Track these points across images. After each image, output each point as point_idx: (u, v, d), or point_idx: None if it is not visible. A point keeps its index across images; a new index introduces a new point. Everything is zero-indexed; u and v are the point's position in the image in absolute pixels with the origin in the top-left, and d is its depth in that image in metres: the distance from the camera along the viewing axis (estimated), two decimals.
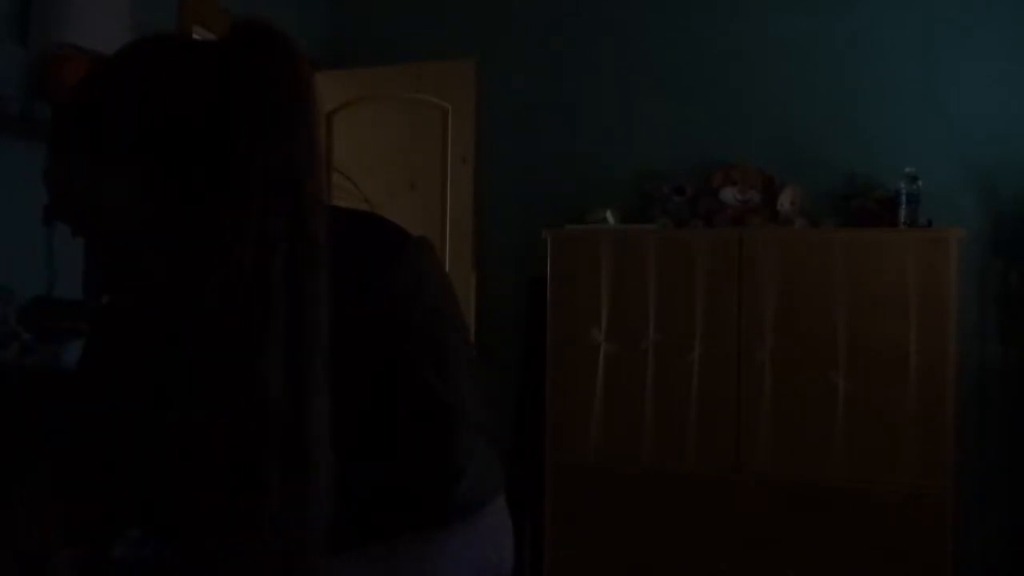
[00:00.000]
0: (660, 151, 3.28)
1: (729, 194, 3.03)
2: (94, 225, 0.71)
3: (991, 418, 2.96)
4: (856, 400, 2.64)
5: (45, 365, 1.80)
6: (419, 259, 0.85)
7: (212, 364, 0.64)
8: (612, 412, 2.86)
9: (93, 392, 0.88)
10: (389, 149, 3.30)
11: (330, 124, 3.40)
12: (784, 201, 2.96)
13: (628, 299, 2.84)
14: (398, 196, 3.25)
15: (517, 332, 3.31)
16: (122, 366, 0.84)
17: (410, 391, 0.80)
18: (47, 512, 0.86)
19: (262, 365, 0.62)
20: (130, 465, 0.80)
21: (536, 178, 3.41)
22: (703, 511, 2.77)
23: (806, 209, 2.96)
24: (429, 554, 0.83)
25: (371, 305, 0.77)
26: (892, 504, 2.60)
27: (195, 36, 2.82)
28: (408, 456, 0.80)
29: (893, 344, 2.61)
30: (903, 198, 2.72)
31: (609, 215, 3.08)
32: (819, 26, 3.14)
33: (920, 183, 2.71)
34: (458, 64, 3.19)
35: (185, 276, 0.66)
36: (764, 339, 2.72)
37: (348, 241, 0.74)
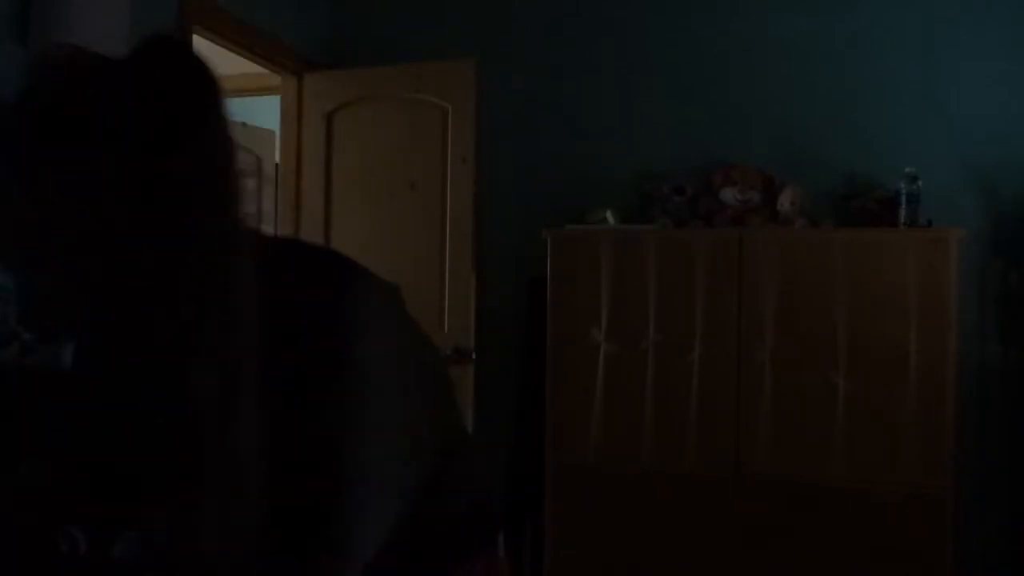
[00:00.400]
0: (660, 151, 3.28)
1: (729, 194, 3.03)
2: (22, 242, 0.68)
3: (991, 418, 2.96)
4: (856, 400, 2.64)
5: (45, 365, 1.80)
6: (359, 298, 0.77)
7: (144, 377, 0.63)
8: (612, 412, 2.86)
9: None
10: (389, 149, 3.30)
11: (330, 124, 3.41)
12: (784, 201, 2.96)
13: (628, 299, 2.85)
14: (398, 196, 3.25)
15: (517, 332, 3.31)
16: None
17: (302, 439, 0.71)
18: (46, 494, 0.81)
19: (193, 376, 0.61)
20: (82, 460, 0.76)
21: (536, 178, 3.41)
22: (703, 511, 2.77)
23: (806, 209, 2.96)
24: None
25: (289, 346, 0.69)
26: (892, 504, 2.60)
27: (195, 36, 2.82)
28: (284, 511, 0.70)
29: (893, 344, 2.61)
30: (903, 198, 2.72)
31: (609, 215, 3.08)
32: (819, 26, 3.14)
33: (920, 183, 2.71)
34: (458, 64, 3.19)
35: (100, 291, 0.65)
36: (764, 339, 2.72)
37: (277, 270, 0.70)
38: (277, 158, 3.95)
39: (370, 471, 0.72)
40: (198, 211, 0.64)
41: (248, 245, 0.66)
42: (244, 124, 4.20)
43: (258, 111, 4.29)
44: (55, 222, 0.65)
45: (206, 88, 0.68)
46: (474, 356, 3.12)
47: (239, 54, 3.18)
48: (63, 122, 0.65)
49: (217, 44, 3.05)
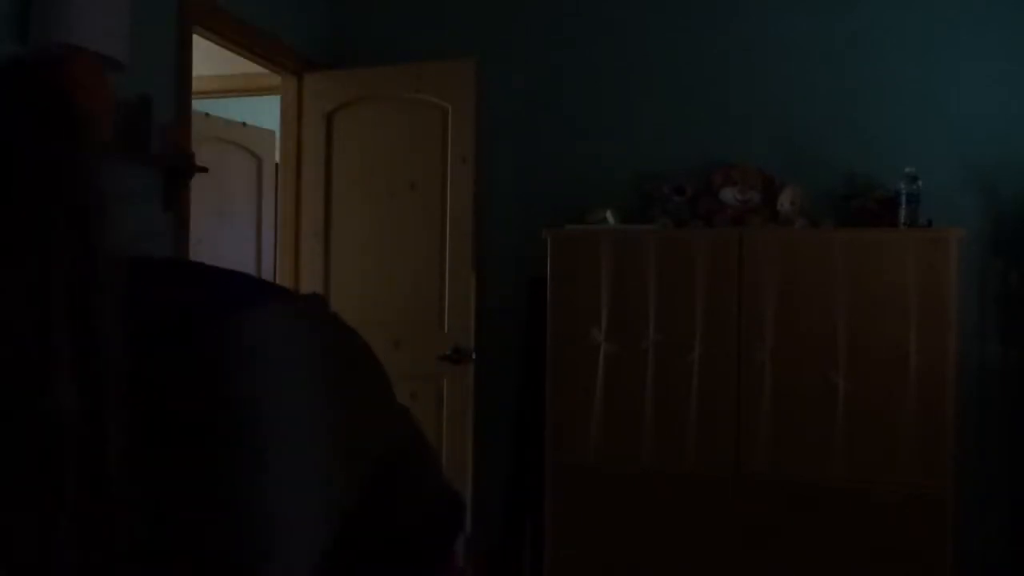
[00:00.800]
0: (660, 151, 3.28)
1: (729, 194, 3.03)
2: None
3: (991, 418, 2.96)
4: (856, 400, 2.64)
5: None
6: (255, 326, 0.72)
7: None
8: (612, 412, 2.86)
9: None
10: (389, 149, 3.30)
11: (330, 124, 3.41)
12: (784, 201, 2.96)
13: (628, 299, 2.85)
14: (398, 196, 3.25)
15: (517, 332, 3.31)
16: None
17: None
18: None
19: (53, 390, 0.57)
20: None
21: (536, 178, 3.41)
22: (703, 511, 2.77)
23: (806, 209, 2.96)
24: None
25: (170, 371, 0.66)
26: (892, 504, 2.60)
27: (195, 36, 2.82)
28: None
29: (893, 344, 2.61)
30: (903, 198, 2.72)
31: (609, 215, 3.08)
32: (819, 26, 3.14)
33: (920, 183, 2.71)
34: (458, 64, 3.19)
35: None
36: (764, 339, 2.72)
37: (164, 290, 0.66)
38: (277, 158, 3.95)
39: (274, 506, 0.64)
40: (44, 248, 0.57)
41: (116, 278, 0.59)
42: (244, 124, 4.21)
43: (258, 111, 4.29)
44: None
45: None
46: (474, 356, 3.12)
47: (239, 54, 3.18)
48: None
49: (217, 44, 3.05)
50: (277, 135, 3.77)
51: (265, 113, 4.12)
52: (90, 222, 0.62)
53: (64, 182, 0.62)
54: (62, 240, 0.60)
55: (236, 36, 3.06)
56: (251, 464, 0.65)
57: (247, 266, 4.08)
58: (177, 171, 2.66)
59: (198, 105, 3.09)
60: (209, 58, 3.21)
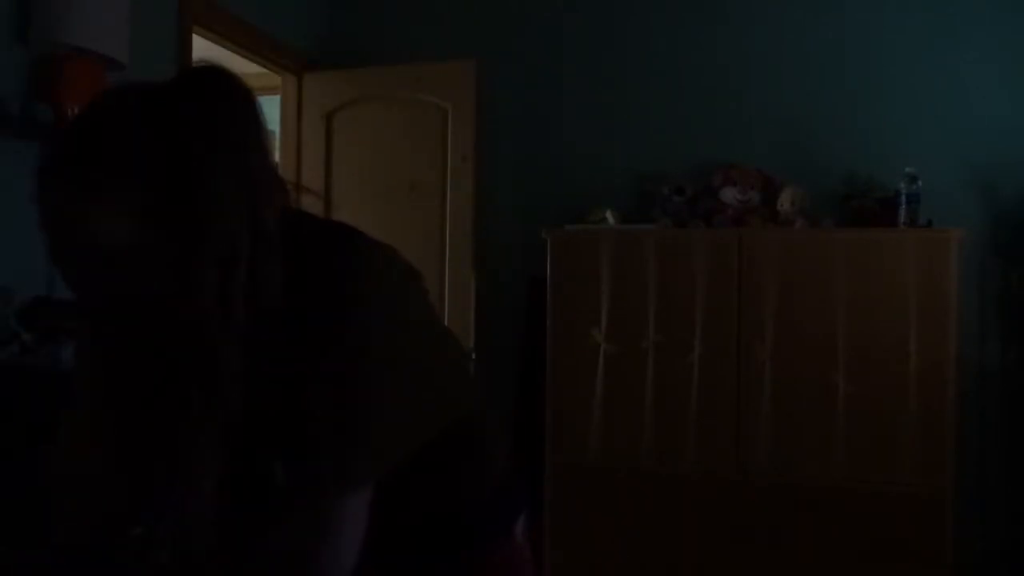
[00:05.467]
0: (660, 151, 3.28)
1: (729, 194, 3.03)
2: (82, 253, 0.80)
3: (991, 418, 2.96)
4: (856, 400, 2.64)
5: (45, 365, 1.80)
6: (361, 269, 0.87)
7: (185, 353, 0.78)
8: (612, 412, 2.86)
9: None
10: (389, 149, 3.30)
11: (330, 124, 3.41)
12: (784, 201, 2.96)
13: (628, 299, 2.84)
14: (398, 196, 3.25)
15: (517, 332, 3.31)
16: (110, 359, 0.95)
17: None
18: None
19: (222, 349, 0.77)
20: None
21: (536, 178, 3.41)
22: (703, 511, 2.77)
23: (806, 209, 2.96)
24: None
25: (301, 306, 0.82)
26: (892, 504, 2.60)
27: (194, 36, 2.82)
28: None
29: (893, 344, 2.61)
30: (903, 198, 2.72)
31: (609, 215, 3.08)
32: (819, 26, 3.14)
33: (920, 183, 2.71)
34: (458, 64, 3.19)
35: (166, 282, 0.78)
36: (764, 339, 2.72)
37: (316, 249, 0.84)
38: (277, 158, 3.95)
39: (371, 406, 0.82)
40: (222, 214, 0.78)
41: (274, 241, 0.80)
42: None
43: None
44: (93, 243, 0.78)
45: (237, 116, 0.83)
46: (474, 356, 3.12)
47: (239, 54, 3.17)
48: (98, 154, 0.78)
49: (217, 44, 3.05)
50: (277, 135, 3.77)
51: (265, 113, 4.11)
52: (258, 199, 0.80)
53: (239, 169, 0.79)
54: (240, 217, 0.78)
55: (236, 36, 3.06)
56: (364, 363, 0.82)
57: None
58: None
59: None
60: (209, 58, 3.20)
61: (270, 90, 3.60)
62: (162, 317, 0.80)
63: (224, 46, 3.08)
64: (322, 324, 0.80)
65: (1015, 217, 2.95)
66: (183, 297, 0.76)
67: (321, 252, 0.84)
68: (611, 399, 2.86)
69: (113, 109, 0.82)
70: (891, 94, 3.06)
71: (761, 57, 3.20)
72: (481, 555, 0.98)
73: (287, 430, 0.80)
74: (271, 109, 3.72)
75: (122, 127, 0.80)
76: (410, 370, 0.86)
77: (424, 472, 0.90)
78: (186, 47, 2.76)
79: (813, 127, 3.12)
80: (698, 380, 2.78)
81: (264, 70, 3.41)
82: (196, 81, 0.82)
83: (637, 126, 3.32)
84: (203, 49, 2.96)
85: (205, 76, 0.83)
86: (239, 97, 0.83)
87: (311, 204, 1.00)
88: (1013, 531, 2.96)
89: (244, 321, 0.77)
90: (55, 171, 0.80)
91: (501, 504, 1.04)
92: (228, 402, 0.76)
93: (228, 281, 0.76)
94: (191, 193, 0.76)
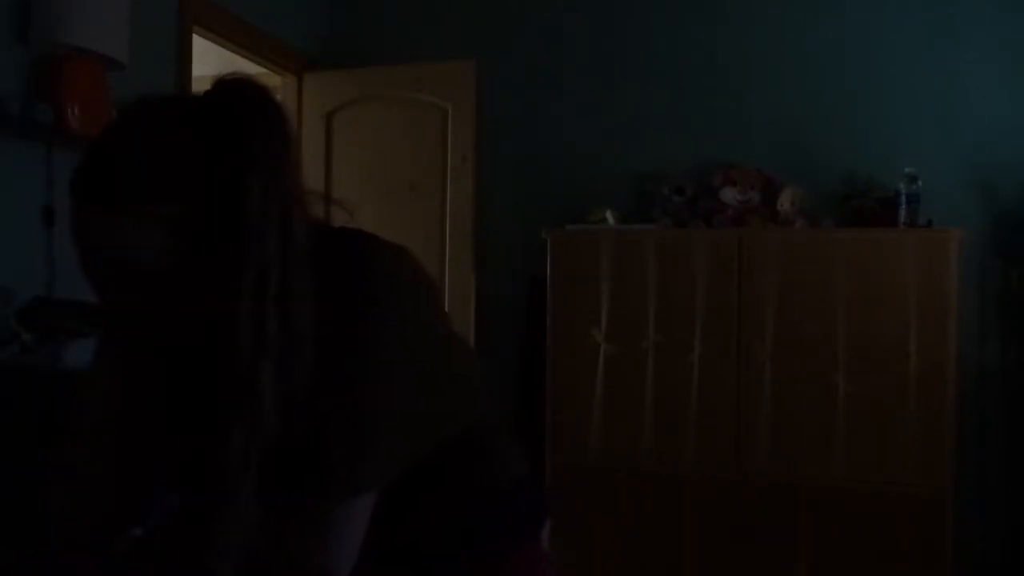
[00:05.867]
0: (660, 151, 3.28)
1: (729, 194, 3.03)
2: (115, 269, 0.80)
3: (991, 418, 2.96)
4: (856, 400, 2.64)
5: (45, 365, 1.80)
6: (385, 270, 0.88)
7: (218, 373, 0.77)
8: (612, 412, 2.86)
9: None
10: (389, 149, 3.30)
11: (330, 124, 3.41)
12: (784, 201, 2.96)
13: (628, 299, 2.84)
14: (398, 196, 3.25)
15: (517, 332, 3.31)
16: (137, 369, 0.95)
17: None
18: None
19: (260, 373, 0.76)
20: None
21: (536, 178, 3.41)
22: (703, 511, 2.77)
23: (806, 209, 2.96)
24: None
25: (328, 309, 0.82)
26: (892, 504, 2.60)
27: (194, 36, 2.82)
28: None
29: (893, 344, 2.61)
30: (903, 198, 2.71)
31: (609, 215, 3.08)
32: (819, 26, 3.14)
33: (920, 183, 2.71)
34: (458, 64, 3.19)
35: (196, 300, 0.79)
36: (764, 339, 2.72)
37: (330, 256, 0.85)
38: None
39: (379, 409, 0.82)
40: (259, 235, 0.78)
41: (304, 257, 0.81)
42: None
43: None
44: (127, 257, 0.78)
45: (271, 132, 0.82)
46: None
47: (239, 54, 3.17)
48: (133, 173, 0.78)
49: (217, 44, 3.05)
50: None
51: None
52: (292, 215, 0.80)
53: (273, 185, 0.79)
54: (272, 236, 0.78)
55: (236, 36, 3.06)
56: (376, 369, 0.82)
57: None
58: None
59: None
60: (209, 58, 3.20)
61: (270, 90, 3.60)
62: (194, 334, 0.80)
63: (224, 46, 3.08)
64: (334, 328, 0.80)
65: (1015, 217, 2.95)
66: (218, 316, 0.76)
67: (335, 259, 0.85)
68: (611, 399, 2.86)
69: (147, 120, 0.82)
70: (891, 94, 3.06)
71: (761, 57, 3.20)
72: (500, 560, 0.98)
73: (301, 434, 0.80)
74: None
75: (157, 139, 0.79)
76: (421, 374, 0.86)
77: (433, 476, 0.90)
78: (186, 47, 2.76)
79: (813, 127, 3.12)
80: (698, 380, 2.78)
81: (264, 70, 3.40)
82: (230, 95, 0.82)
83: (637, 126, 3.32)
84: (203, 49, 2.97)
85: (239, 90, 0.83)
86: (273, 112, 0.83)
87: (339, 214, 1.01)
88: (1013, 531, 2.96)
89: (279, 341, 0.77)
90: (87, 181, 0.79)
91: (521, 509, 1.03)
92: (268, 423, 0.76)
93: (263, 300, 0.76)
94: (228, 210, 0.76)
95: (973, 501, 2.89)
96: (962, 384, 2.69)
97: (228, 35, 3.02)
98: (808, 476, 2.68)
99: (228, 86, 0.83)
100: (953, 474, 2.58)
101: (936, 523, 2.57)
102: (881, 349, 2.62)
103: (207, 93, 0.84)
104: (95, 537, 0.91)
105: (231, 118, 0.80)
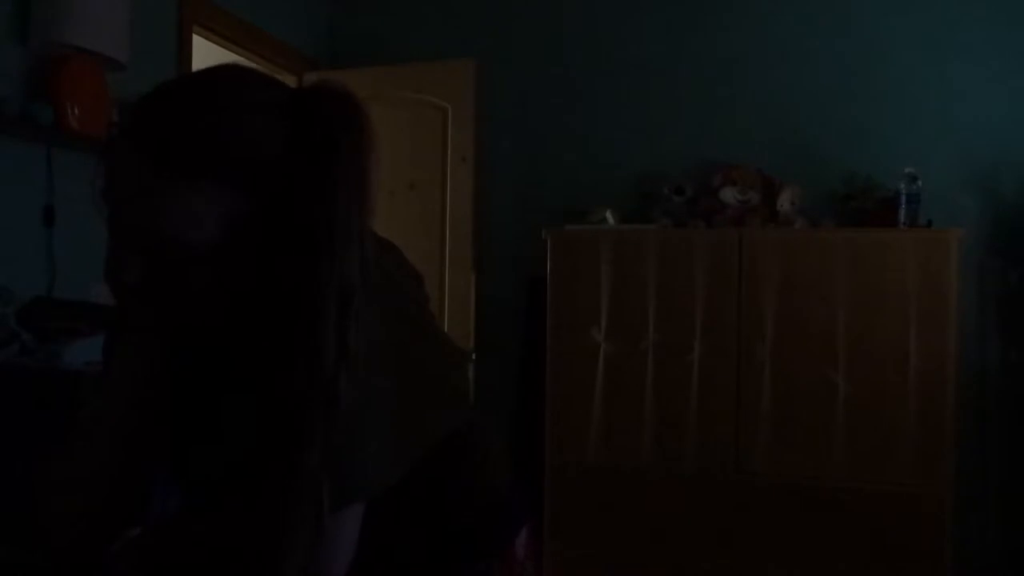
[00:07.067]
0: (660, 151, 3.28)
1: (729, 194, 3.03)
2: (152, 242, 0.74)
3: (991, 418, 2.97)
4: (856, 400, 2.64)
5: (45, 365, 1.80)
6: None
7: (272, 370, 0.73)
8: (612, 412, 2.86)
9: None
10: (389, 149, 3.30)
11: None
12: (784, 201, 2.96)
13: (628, 299, 2.85)
14: (398, 196, 3.25)
15: (517, 332, 3.31)
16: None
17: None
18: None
19: (340, 383, 0.73)
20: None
21: (536, 178, 3.41)
22: (703, 511, 2.77)
23: (806, 209, 2.96)
24: None
25: None
26: (892, 504, 2.60)
27: (194, 36, 2.82)
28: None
29: (893, 344, 2.61)
30: (903, 198, 2.72)
31: (609, 215, 3.08)
32: (819, 27, 3.14)
33: (920, 183, 2.71)
34: (458, 64, 3.19)
35: (242, 301, 0.75)
36: (764, 339, 2.72)
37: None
38: None
39: (366, 417, 0.78)
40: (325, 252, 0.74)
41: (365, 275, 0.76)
42: None
43: None
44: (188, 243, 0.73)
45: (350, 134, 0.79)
46: (474, 356, 3.12)
47: (239, 54, 3.17)
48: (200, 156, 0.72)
49: (217, 44, 3.05)
50: None
51: None
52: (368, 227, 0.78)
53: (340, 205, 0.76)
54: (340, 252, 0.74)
55: (236, 36, 3.06)
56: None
57: None
58: None
59: None
60: (209, 58, 3.21)
61: None
62: (226, 330, 0.76)
63: (224, 46, 3.09)
64: None
65: (1015, 217, 2.95)
66: (300, 326, 0.72)
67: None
68: (611, 399, 2.86)
69: (242, 94, 0.77)
70: (891, 94, 3.06)
71: (761, 57, 3.20)
72: (472, 571, 0.96)
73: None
74: None
75: (250, 117, 0.75)
76: (409, 379, 0.83)
77: (416, 485, 0.87)
78: (186, 47, 2.76)
79: (813, 127, 3.12)
80: (698, 380, 2.78)
81: (264, 70, 3.41)
82: (326, 100, 0.79)
83: (637, 126, 3.32)
84: (203, 49, 2.97)
85: (335, 98, 0.80)
86: (365, 124, 0.81)
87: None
88: (1013, 531, 2.96)
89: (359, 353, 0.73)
90: (158, 138, 0.72)
91: (499, 520, 1.01)
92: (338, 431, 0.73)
93: (347, 310, 0.72)
94: (309, 215, 0.73)
95: (972, 501, 2.89)
96: (962, 384, 2.69)
97: (228, 35, 3.02)
98: (808, 476, 2.68)
99: (318, 88, 0.80)
100: (952, 474, 2.58)
101: (935, 523, 2.57)
102: (881, 349, 2.62)
103: (301, 90, 0.80)
104: (95, 537, 0.91)
105: (312, 113, 0.77)
